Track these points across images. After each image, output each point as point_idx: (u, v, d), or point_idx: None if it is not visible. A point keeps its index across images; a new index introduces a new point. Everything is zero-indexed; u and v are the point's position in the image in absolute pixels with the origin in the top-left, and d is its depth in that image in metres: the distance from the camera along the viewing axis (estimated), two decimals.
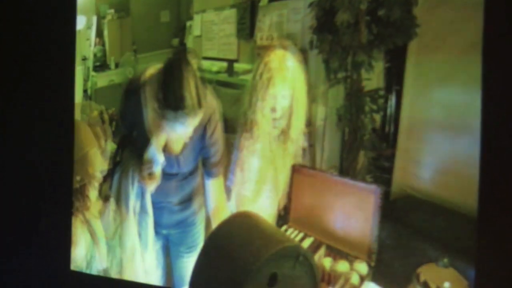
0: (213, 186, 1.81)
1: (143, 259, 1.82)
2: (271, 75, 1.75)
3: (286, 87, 1.76)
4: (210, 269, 1.56)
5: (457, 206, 1.57)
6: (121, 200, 1.79)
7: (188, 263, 1.86)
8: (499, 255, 1.39)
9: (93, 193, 1.86)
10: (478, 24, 1.41)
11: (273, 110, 1.78)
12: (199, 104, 1.59)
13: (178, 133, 1.67)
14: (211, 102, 1.73)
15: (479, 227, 1.42)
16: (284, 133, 1.82)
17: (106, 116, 1.95)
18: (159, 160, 1.72)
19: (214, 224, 1.77)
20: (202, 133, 1.74)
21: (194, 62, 1.59)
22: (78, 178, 1.88)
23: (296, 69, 1.77)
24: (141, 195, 1.78)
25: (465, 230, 1.49)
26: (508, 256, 1.38)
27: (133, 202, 1.77)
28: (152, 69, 1.69)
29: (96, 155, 1.89)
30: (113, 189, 1.81)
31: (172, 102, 1.56)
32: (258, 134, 1.80)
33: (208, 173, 1.81)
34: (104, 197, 1.86)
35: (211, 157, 1.78)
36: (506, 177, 1.39)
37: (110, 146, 1.90)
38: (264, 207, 1.84)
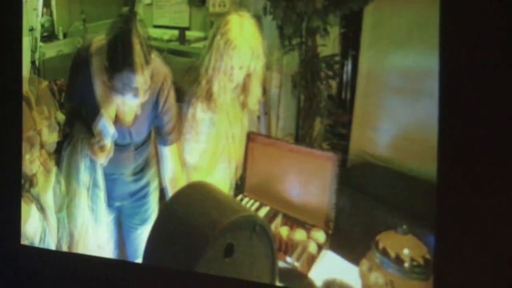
0: (169, 153, 1.79)
1: (95, 233, 1.79)
2: (229, 46, 1.71)
3: (244, 58, 1.72)
4: (164, 240, 1.54)
5: (416, 171, 1.55)
6: (71, 174, 1.75)
7: (141, 235, 1.84)
8: (459, 220, 1.38)
9: (42, 167, 1.82)
10: None
11: (231, 80, 1.75)
12: (146, 61, 1.56)
13: (129, 103, 1.63)
14: (162, 70, 1.70)
15: (438, 193, 1.40)
16: (242, 102, 1.80)
17: (55, 87, 1.90)
18: (110, 132, 1.68)
19: (171, 193, 1.75)
20: (154, 102, 1.71)
21: (140, 29, 1.56)
22: (27, 155, 1.84)
23: (254, 38, 1.72)
24: (92, 168, 1.74)
25: (425, 196, 1.47)
26: (468, 220, 1.36)
27: (84, 176, 1.74)
28: (100, 39, 1.65)
29: (47, 130, 1.85)
30: (63, 163, 1.77)
31: (119, 62, 1.55)
32: (215, 104, 1.77)
33: (163, 140, 1.78)
34: (53, 172, 1.82)
35: (165, 125, 1.76)
36: (464, 142, 1.37)
37: (60, 117, 1.86)
38: (220, 177, 1.82)
